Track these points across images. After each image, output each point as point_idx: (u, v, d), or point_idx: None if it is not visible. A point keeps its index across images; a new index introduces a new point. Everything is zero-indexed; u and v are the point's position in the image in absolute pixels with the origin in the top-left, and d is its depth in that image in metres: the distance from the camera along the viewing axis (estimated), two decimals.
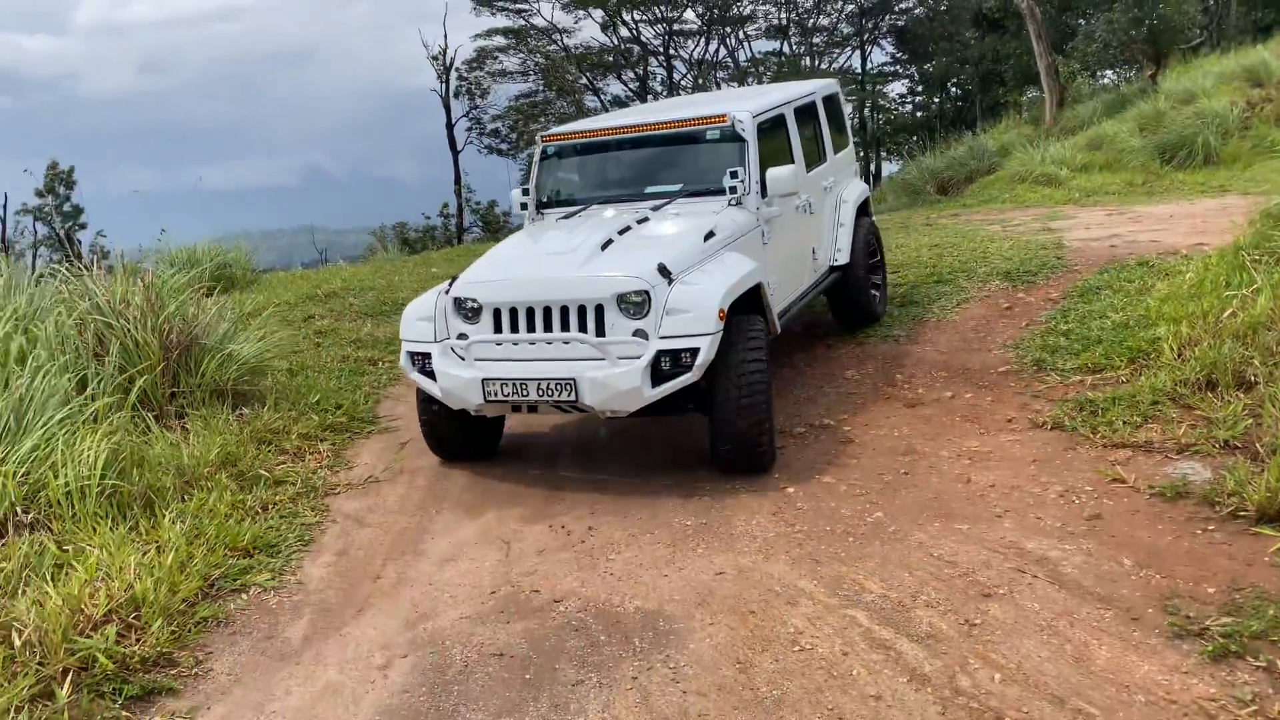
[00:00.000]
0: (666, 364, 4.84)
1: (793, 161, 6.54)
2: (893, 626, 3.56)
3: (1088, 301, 7.36)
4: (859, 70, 37.96)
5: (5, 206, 28.63)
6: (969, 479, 4.91)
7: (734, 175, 5.93)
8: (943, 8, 35.79)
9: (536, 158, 6.68)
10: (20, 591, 3.71)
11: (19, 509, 4.27)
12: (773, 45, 38.42)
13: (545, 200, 6.60)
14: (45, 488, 4.38)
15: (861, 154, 38.22)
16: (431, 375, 5.23)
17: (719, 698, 3.19)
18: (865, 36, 37.58)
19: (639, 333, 4.92)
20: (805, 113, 7.08)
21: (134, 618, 3.66)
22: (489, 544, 4.59)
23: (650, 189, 6.31)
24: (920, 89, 38.81)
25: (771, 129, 6.43)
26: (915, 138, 36.41)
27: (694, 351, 4.82)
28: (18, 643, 3.31)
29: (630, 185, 6.46)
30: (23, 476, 4.38)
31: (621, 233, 5.55)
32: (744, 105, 6.26)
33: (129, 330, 5.88)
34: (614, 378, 4.83)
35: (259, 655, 3.68)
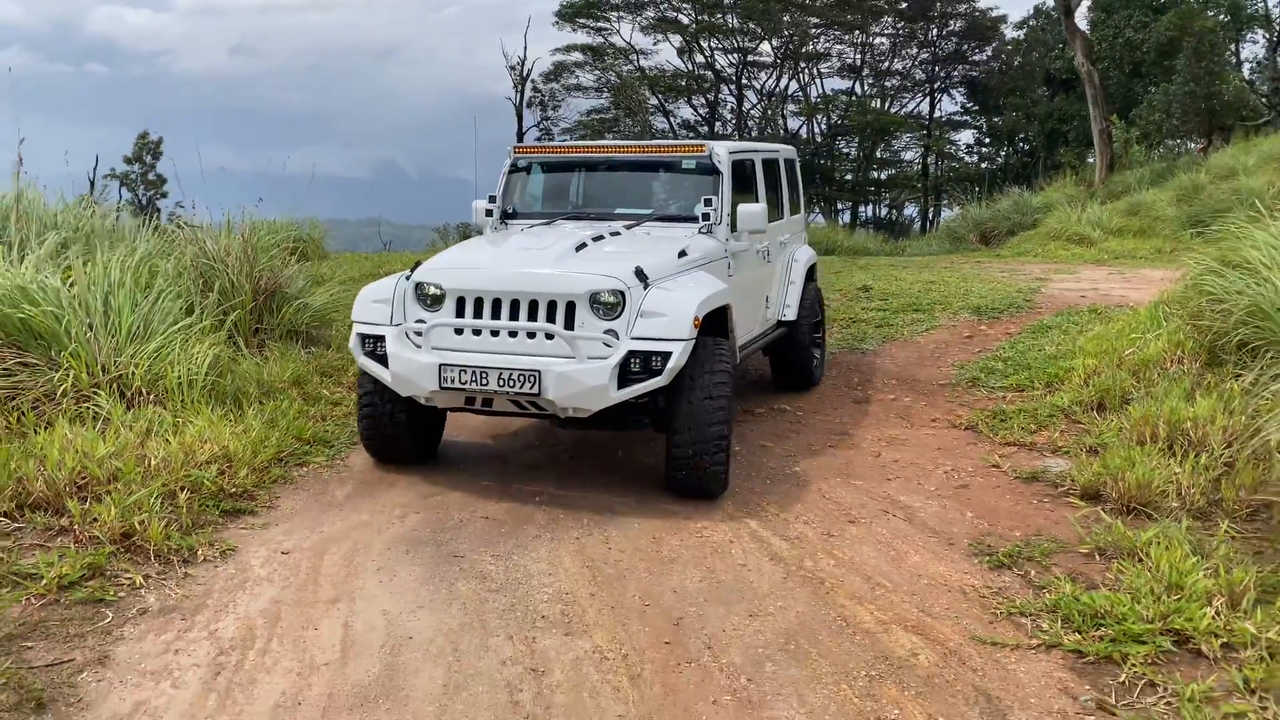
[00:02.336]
0: (636, 365, 4.92)
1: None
2: (772, 530, 4.95)
3: (1036, 337, 8.69)
4: (927, 116, 39.21)
5: (96, 169, 31.16)
6: (879, 455, 6.28)
7: (708, 203, 6.19)
8: (1016, 62, 36.98)
9: (505, 169, 6.86)
10: (148, 440, 5.25)
11: (144, 389, 5.84)
12: (845, 84, 39.92)
13: (510, 211, 6.76)
14: (164, 377, 5.94)
15: (921, 200, 39.38)
16: (382, 361, 5.24)
17: (632, 554, 4.61)
18: (936, 84, 38.88)
19: (610, 333, 4.98)
20: (770, 168, 7.45)
21: (227, 466, 5.20)
22: (492, 458, 6.05)
23: (619, 210, 6.54)
24: (988, 140, 39.97)
25: (741, 172, 6.74)
26: (977, 188, 37.43)
27: (665, 355, 4.91)
28: (152, 463, 4.85)
29: (598, 205, 6.69)
30: (148, 368, 5.94)
31: (595, 240, 5.71)
32: (720, 143, 6.62)
33: (228, 274, 7.48)
34: (581, 373, 4.89)
35: (313, 502, 5.20)
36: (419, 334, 5.19)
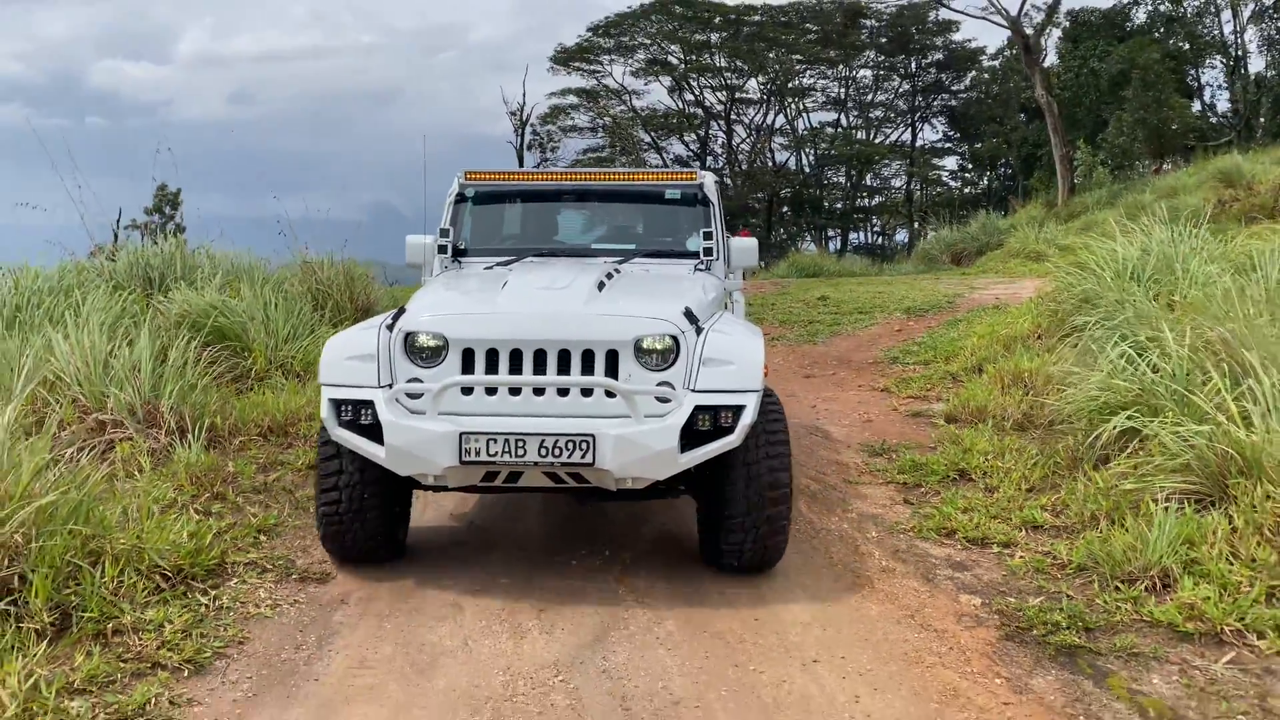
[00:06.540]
0: (705, 423, 4.33)
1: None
2: None
3: (948, 328, 11.76)
4: (909, 145, 42.65)
5: (119, 220, 34.47)
6: (815, 406, 9.31)
7: (707, 237, 5.84)
8: (994, 91, 40.43)
9: (451, 199, 6.25)
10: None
11: (301, 371, 8.87)
12: (831, 117, 43.38)
13: (461, 248, 6.06)
14: (314, 362, 8.95)
15: (908, 224, 42.63)
16: (368, 433, 4.40)
17: None
18: (918, 114, 42.35)
19: (665, 385, 4.44)
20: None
21: None
22: None
23: (596, 245, 6.08)
24: (970, 167, 43.39)
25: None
26: (963, 212, 40.67)
27: (738, 410, 4.38)
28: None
29: (569, 240, 6.22)
30: (302, 357, 8.98)
31: (609, 277, 5.19)
32: (704, 172, 6.39)
33: (334, 295, 10.54)
34: (644, 435, 4.27)
35: None
36: (413, 396, 4.47)
